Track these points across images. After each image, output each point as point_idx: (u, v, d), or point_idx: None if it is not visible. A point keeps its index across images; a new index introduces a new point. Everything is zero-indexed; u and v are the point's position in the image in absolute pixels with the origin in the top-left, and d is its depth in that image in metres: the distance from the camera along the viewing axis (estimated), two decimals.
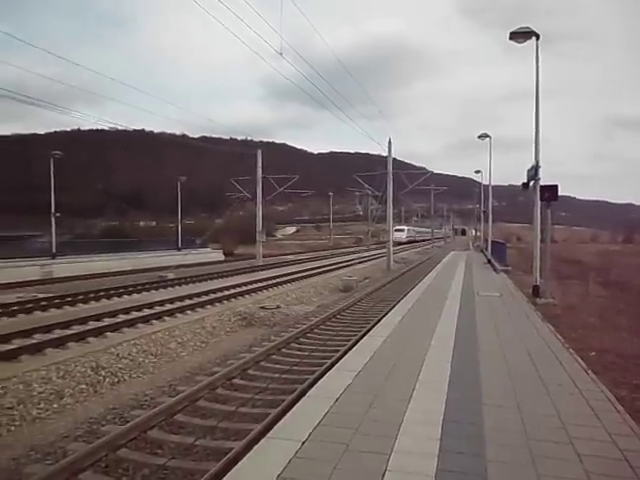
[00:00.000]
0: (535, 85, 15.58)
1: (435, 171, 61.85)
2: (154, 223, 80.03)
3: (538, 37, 15.06)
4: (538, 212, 15.86)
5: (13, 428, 7.08)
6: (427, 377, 6.10)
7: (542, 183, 15.34)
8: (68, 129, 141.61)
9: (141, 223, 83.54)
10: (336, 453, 3.96)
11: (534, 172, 15.44)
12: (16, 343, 10.64)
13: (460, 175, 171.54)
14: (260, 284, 21.50)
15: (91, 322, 13.02)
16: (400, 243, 66.64)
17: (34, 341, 10.82)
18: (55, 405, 7.91)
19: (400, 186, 37.50)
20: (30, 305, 16.01)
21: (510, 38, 15.09)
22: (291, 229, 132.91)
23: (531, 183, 15.89)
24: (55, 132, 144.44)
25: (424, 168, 68.27)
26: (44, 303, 16.46)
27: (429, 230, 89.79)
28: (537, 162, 15.41)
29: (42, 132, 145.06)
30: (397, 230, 70.64)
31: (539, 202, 15.53)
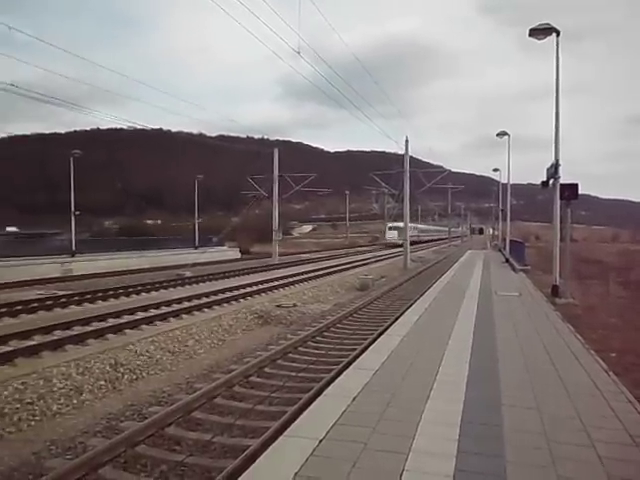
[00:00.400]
0: (555, 83, 15.41)
1: (453, 170, 61.22)
2: (159, 221, 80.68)
3: (558, 33, 14.88)
4: (558, 211, 15.67)
5: (33, 423, 7.17)
6: (445, 377, 6.05)
7: (562, 181, 15.16)
8: (88, 128, 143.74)
9: (159, 221, 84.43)
10: (354, 452, 3.95)
11: (554, 170, 15.25)
12: (36, 339, 10.80)
13: (478, 174, 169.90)
14: (276, 282, 21.54)
15: (110, 319, 13.15)
16: (396, 245, 55.10)
17: (54, 337, 10.95)
18: (75, 401, 8.00)
19: (417, 185, 37.31)
20: (50, 302, 16.22)
21: (530, 35, 14.92)
22: (307, 227, 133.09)
23: (551, 181, 15.70)
24: (75, 131, 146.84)
25: (441, 167, 66.68)
26: (64, 300, 16.67)
27: (443, 228, 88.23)
28: (557, 160, 15.23)
29: (62, 131, 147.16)
30: (390, 229, 63.08)
31: (559, 201, 15.34)
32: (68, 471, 5.03)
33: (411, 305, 12.74)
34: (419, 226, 76.57)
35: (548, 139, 15.82)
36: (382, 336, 8.95)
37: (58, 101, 23.42)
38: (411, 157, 33.68)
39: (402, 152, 33.05)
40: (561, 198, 15.16)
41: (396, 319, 11.17)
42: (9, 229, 63.38)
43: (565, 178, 15.35)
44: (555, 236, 16.31)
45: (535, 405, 5.11)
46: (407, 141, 32.51)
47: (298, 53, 18.36)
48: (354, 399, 5.22)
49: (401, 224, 59.84)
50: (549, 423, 4.61)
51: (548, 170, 15.90)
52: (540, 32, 14.94)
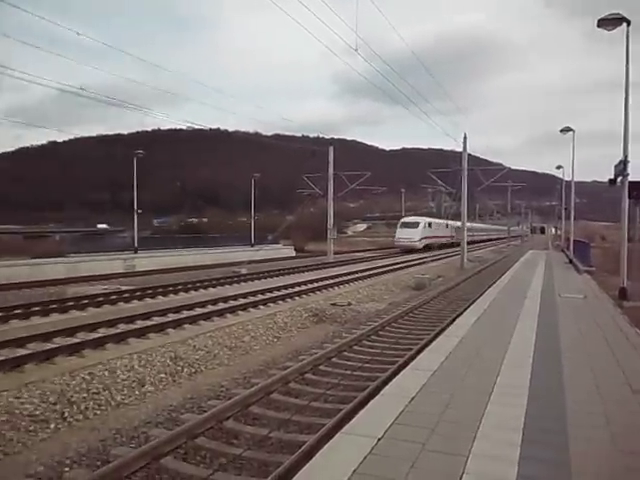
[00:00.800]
0: (625, 74, 14.66)
1: (512, 167, 59.24)
2: (205, 219, 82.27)
3: (629, 23, 14.14)
4: (626, 210, 14.95)
5: (99, 412, 7.50)
6: (506, 380, 5.87)
7: (631, 179, 14.45)
8: (149, 129, 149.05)
9: (204, 219, 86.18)
10: (412, 452, 3.90)
11: (622, 167, 14.56)
12: (102, 332, 11.27)
13: (539, 171, 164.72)
14: (331, 281, 21.57)
15: (170, 314, 13.54)
16: (411, 250, 44.27)
17: (118, 330, 11.41)
18: (137, 392, 8.30)
19: (475, 183, 36.49)
20: (114, 297, 16.88)
21: (598, 25, 14.25)
22: (362, 226, 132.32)
23: (619, 179, 15.00)
24: (137, 132, 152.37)
25: (500, 164, 64.03)
26: (127, 295, 17.31)
27: (501, 227, 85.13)
28: (626, 156, 14.53)
29: (125, 132, 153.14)
30: (404, 226, 48.26)
31: (627, 199, 14.64)
32: (133, 459, 5.22)
33: (469, 306, 12.48)
34: (450, 222, 50.93)
35: (617, 133, 15.07)
36: (439, 337, 8.80)
37: (120, 102, 24.35)
38: (469, 155, 32.94)
39: (460, 149, 32.43)
40: (630, 197, 14.46)
41: (453, 320, 10.97)
42: (100, 226, 66.58)
43: (635, 175, 14.62)
44: (623, 236, 15.57)
45: (603, 412, 4.89)
46: (465, 138, 31.89)
47: (356, 50, 18.31)
48: (412, 399, 5.15)
49: (420, 219, 48.07)
50: (619, 433, 4.39)
51: (616, 167, 15.19)
52: (609, 22, 14.25)
